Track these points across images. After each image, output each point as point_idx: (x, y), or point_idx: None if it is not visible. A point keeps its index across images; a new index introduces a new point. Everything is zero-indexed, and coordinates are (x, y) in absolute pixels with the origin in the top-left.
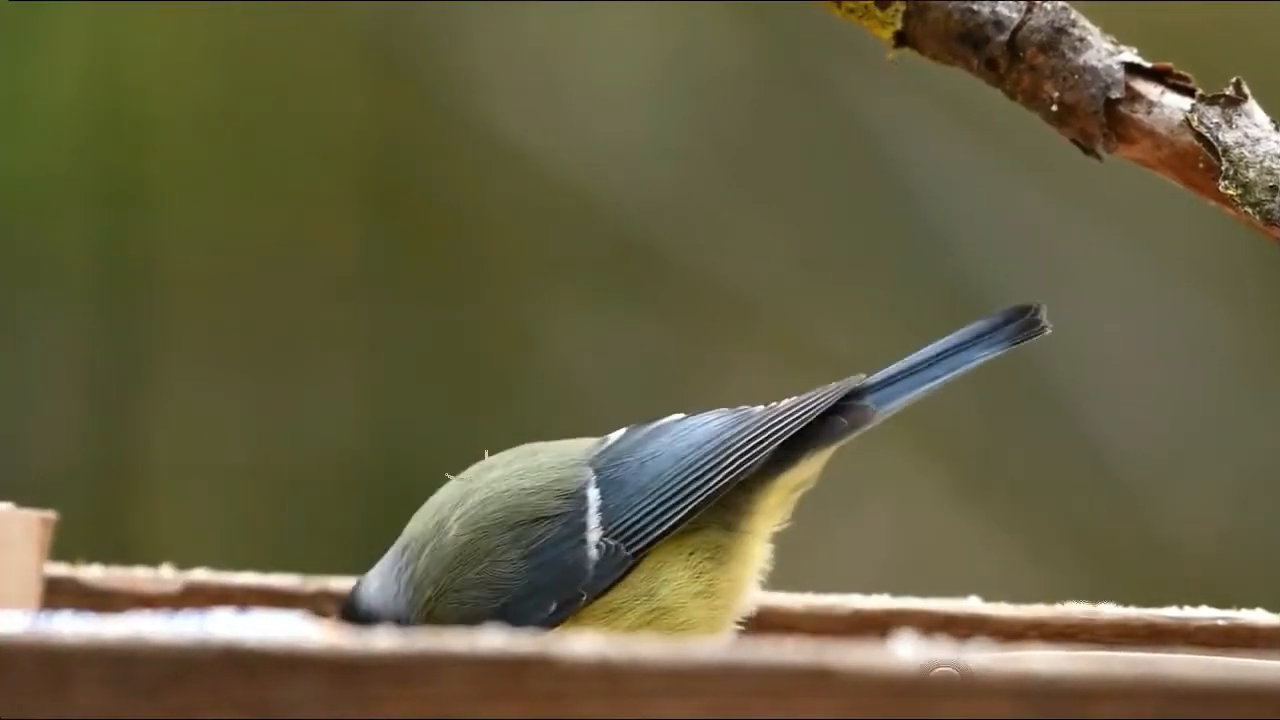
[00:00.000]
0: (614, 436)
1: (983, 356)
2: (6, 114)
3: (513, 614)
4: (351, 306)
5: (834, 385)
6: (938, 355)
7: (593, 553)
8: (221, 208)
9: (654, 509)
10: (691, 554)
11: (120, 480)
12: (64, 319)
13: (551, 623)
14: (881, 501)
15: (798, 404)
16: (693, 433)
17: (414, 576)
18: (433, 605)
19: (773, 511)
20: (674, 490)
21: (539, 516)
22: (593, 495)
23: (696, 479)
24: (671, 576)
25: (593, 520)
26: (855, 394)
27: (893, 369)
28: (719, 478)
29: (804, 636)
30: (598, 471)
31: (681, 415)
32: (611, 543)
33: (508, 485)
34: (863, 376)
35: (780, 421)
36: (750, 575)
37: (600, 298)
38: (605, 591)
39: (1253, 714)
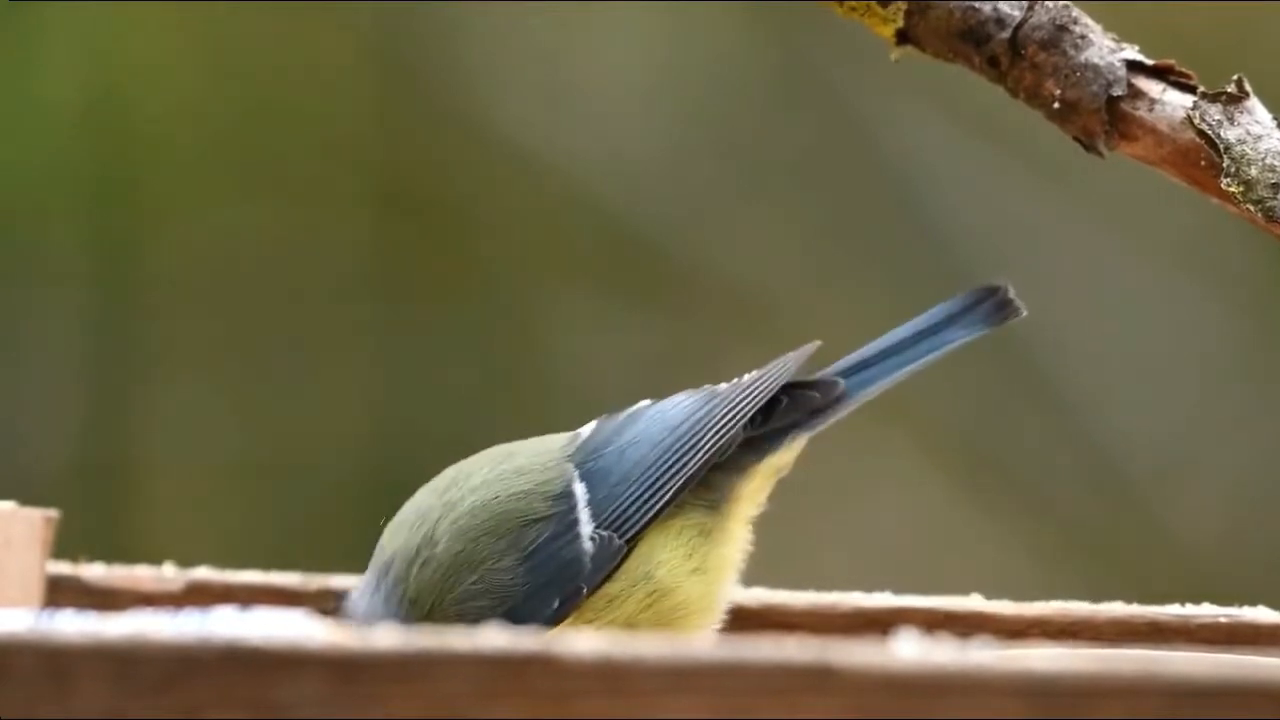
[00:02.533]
0: (586, 430)
1: (961, 338)
2: (7, 114)
3: (518, 617)
4: (354, 305)
5: (791, 355)
6: (911, 338)
7: (587, 545)
8: (223, 207)
9: (640, 495)
10: (681, 532)
11: (123, 478)
12: (65, 318)
13: (556, 618)
14: (883, 499)
15: (762, 376)
16: (665, 415)
17: (407, 592)
18: (434, 617)
19: (754, 495)
20: (656, 474)
21: (530, 520)
22: (579, 490)
23: (677, 460)
24: (666, 558)
25: (583, 515)
26: (829, 377)
27: (866, 351)
28: (697, 457)
29: (806, 635)
30: (579, 466)
31: (649, 401)
32: (604, 534)
33: (494, 492)
34: (818, 343)
35: (748, 396)
36: (736, 555)
37: (603, 295)
38: (603, 583)
39: (1255, 712)
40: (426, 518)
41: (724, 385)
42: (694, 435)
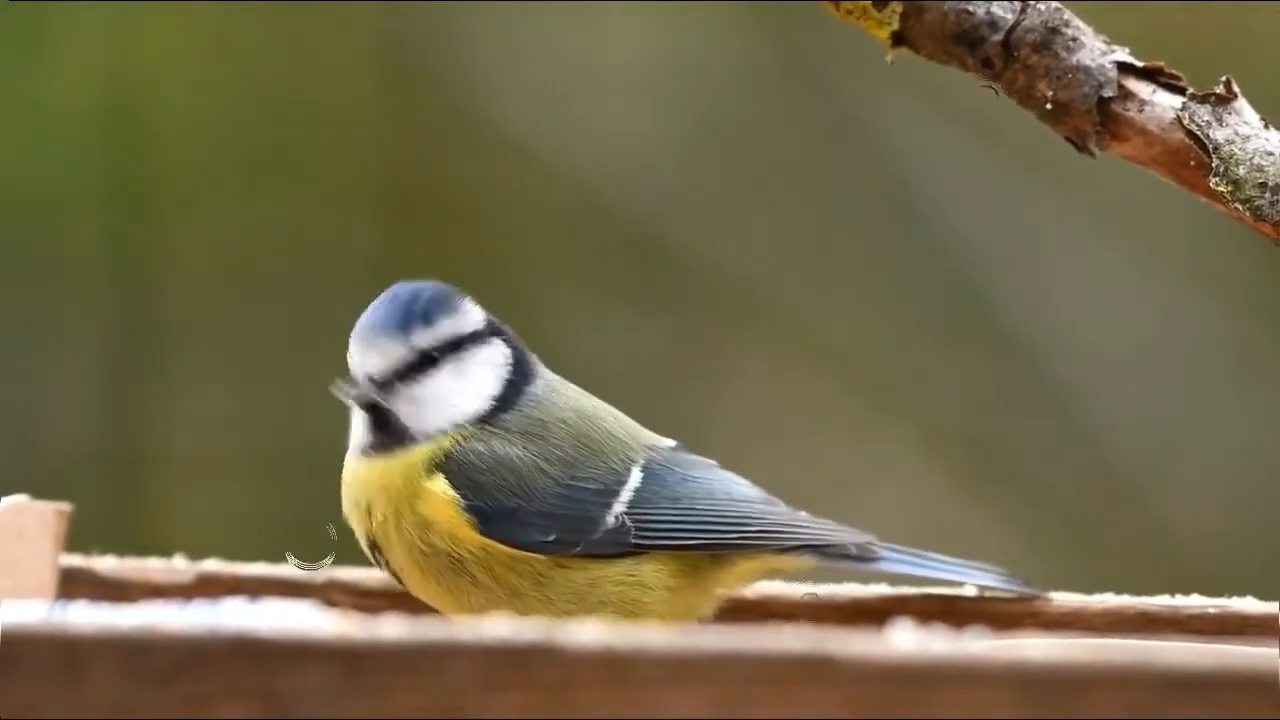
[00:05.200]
0: (667, 441)
1: (982, 580)
2: (21, 115)
3: (518, 518)
4: (360, 302)
5: (859, 533)
6: (948, 561)
7: (610, 520)
8: (234, 205)
9: (675, 521)
10: (678, 556)
11: (134, 472)
12: (78, 315)
13: (541, 549)
14: (880, 492)
15: (822, 525)
16: (733, 485)
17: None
18: (488, 436)
19: (743, 575)
20: (699, 519)
21: (595, 461)
22: (635, 475)
23: (722, 522)
24: (658, 565)
25: (625, 495)
26: (869, 540)
27: (910, 550)
28: (732, 536)
29: (803, 625)
30: (648, 460)
31: (717, 464)
32: (628, 522)
33: (600, 414)
34: (874, 539)
35: (806, 530)
36: (702, 605)
37: (605, 294)
38: (596, 556)
39: (1243, 701)
40: (572, 392)
41: (782, 505)
42: (748, 518)
